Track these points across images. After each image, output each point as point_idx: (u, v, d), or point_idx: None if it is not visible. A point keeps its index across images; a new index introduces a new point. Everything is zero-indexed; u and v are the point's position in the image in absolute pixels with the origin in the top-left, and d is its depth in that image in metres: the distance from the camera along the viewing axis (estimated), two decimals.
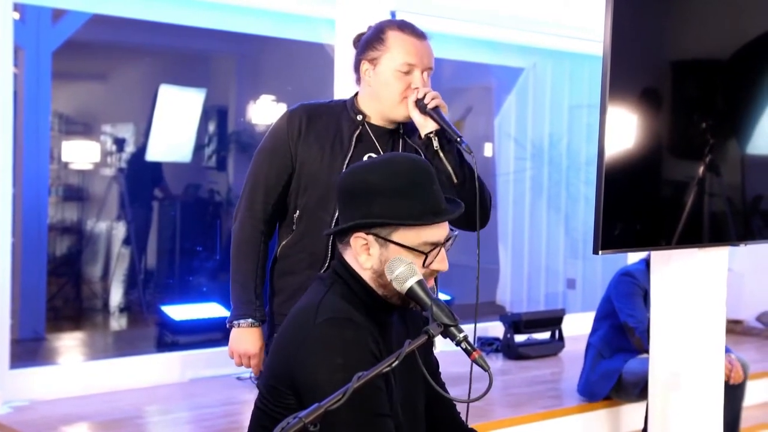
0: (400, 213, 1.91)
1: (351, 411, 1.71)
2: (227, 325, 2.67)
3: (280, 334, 1.98)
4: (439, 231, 1.96)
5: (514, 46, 6.69)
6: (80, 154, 8.71)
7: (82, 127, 9.01)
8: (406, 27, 2.60)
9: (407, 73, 2.56)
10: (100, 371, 4.75)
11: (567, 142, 7.22)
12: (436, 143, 2.51)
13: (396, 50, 2.56)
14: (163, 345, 6.00)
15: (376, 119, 2.63)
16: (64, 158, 8.72)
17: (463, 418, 2.22)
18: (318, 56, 5.72)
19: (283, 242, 2.66)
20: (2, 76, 4.29)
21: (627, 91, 2.61)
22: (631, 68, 2.62)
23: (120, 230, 8.20)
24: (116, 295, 7.96)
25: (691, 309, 2.91)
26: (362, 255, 1.95)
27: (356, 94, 2.68)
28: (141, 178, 7.95)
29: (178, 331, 5.93)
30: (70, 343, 6.67)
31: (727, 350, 4.09)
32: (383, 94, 2.59)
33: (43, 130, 6.54)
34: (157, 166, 7.95)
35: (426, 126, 2.53)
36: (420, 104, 2.54)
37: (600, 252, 2.55)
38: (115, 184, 8.24)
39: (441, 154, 2.52)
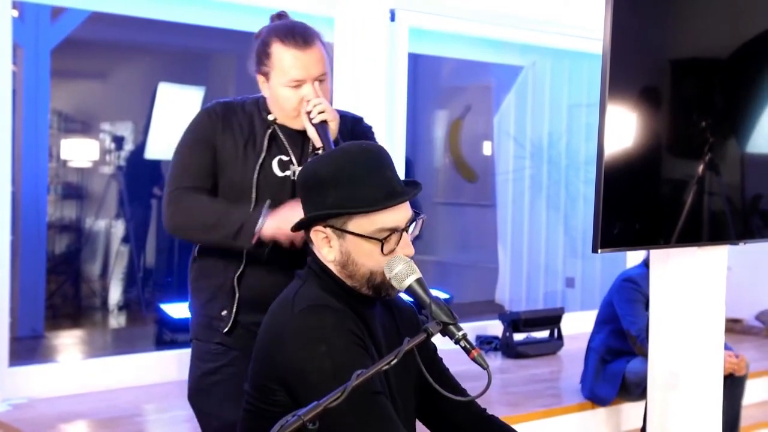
0: (351, 201, 1.90)
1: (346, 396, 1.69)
2: (250, 240, 2.40)
3: (261, 333, 1.97)
4: (396, 215, 1.93)
5: (513, 45, 6.69)
6: (79, 152, 8.71)
7: (80, 125, 9.01)
8: (288, 38, 2.48)
9: (298, 87, 2.48)
10: (98, 369, 4.75)
11: (566, 141, 7.21)
12: None
13: (281, 66, 2.47)
14: (162, 343, 6.00)
15: (283, 121, 2.57)
16: (62, 156, 8.72)
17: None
18: None
19: None
20: (1, 75, 4.29)
21: (626, 89, 2.60)
22: (630, 67, 2.62)
23: (119, 228, 8.20)
24: (115, 293, 7.96)
25: (691, 308, 2.91)
26: (324, 248, 1.96)
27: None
28: (140, 176, 7.94)
29: (177, 329, 5.92)
30: (68, 341, 6.67)
31: (727, 347, 4.10)
32: (280, 108, 2.53)
33: (42, 128, 6.53)
34: (156, 165, 7.93)
35: (317, 140, 2.47)
36: (310, 117, 2.47)
37: (599, 250, 2.55)
38: (113, 183, 8.24)
39: None
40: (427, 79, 8.59)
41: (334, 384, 1.75)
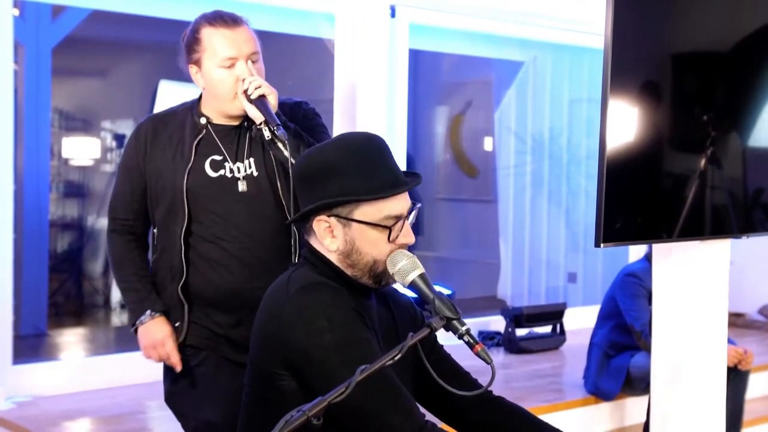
0: (358, 189, 1.90)
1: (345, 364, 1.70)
2: (132, 332, 2.65)
3: (257, 320, 1.98)
4: (400, 203, 1.94)
5: (513, 40, 6.68)
6: (80, 150, 8.72)
7: (82, 123, 9.01)
8: (216, 20, 2.53)
9: (231, 66, 2.50)
10: (101, 367, 4.75)
11: (567, 136, 7.21)
12: (267, 133, 2.46)
13: (212, 47, 2.51)
14: None
15: (218, 119, 2.58)
16: (64, 155, 8.72)
17: None
18: (317, 51, 5.72)
19: (153, 257, 2.67)
20: (2, 73, 4.29)
21: (628, 84, 2.60)
22: (631, 61, 2.62)
23: None
24: (117, 291, 7.94)
25: (693, 302, 2.91)
26: (327, 238, 1.95)
27: (201, 95, 2.64)
28: None
29: None
30: (71, 339, 6.68)
31: (730, 341, 4.09)
32: (216, 93, 2.54)
33: (43, 126, 6.54)
34: None
35: (258, 117, 2.48)
36: (247, 95, 2.49)
37: (601, 245, 2.55)
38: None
39: (276, 143, 2.46)
40: (428, 75, 8.58)
41: (337, 358, 1.77)
